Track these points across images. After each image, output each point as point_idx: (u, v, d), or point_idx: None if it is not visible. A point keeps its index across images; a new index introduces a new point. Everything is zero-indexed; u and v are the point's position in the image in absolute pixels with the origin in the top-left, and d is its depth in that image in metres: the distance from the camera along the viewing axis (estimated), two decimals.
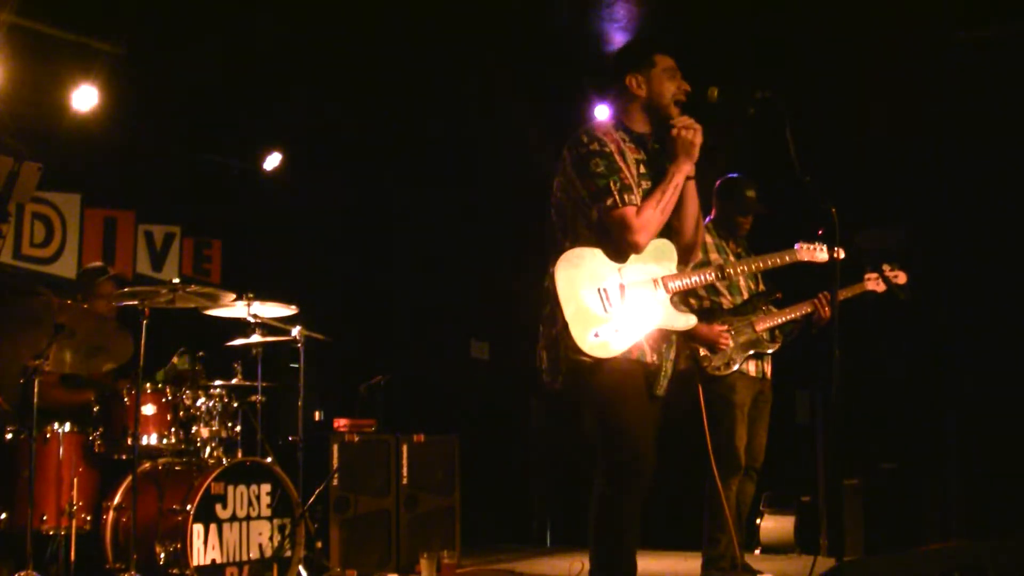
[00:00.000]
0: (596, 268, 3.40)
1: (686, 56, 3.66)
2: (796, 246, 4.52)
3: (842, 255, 4.69)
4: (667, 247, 3.55)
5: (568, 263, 3.39)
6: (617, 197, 3.37)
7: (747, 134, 5.37)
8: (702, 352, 4.85)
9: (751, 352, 4.95)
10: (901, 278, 5.00)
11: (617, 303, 3.39)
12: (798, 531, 6.56)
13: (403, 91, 7.01)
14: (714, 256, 4.97)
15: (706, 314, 4.88)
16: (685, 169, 3.46)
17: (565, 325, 3.33)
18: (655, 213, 3.39)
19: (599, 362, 3.34)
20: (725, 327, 4.84)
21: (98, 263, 5.70)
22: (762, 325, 4.97)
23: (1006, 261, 6.34)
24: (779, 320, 5.01)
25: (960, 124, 6.47)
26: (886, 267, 5.02)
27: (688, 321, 3.57)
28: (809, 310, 5.05)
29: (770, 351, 5.04)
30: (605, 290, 3.39)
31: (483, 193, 8.06)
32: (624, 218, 3.37)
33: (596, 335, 3.33)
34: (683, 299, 4.85)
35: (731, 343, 4.85)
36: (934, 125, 6.55)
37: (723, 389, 4.92)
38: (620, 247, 3.42)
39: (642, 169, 3.52)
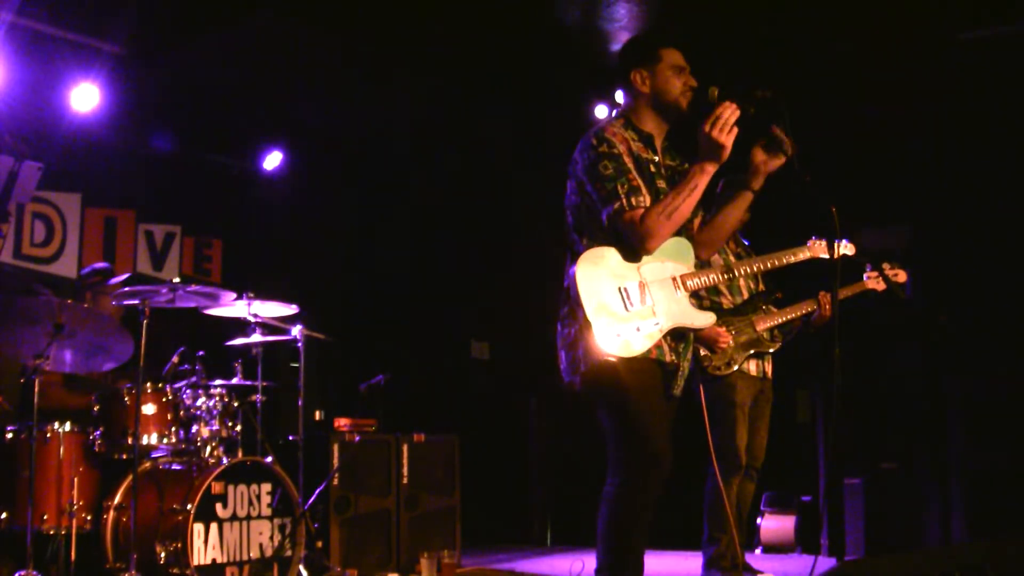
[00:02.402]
0: (615, 267, 3.39)
1: (686, 56, 3.65)
2: (808, 242, 4.53)
3: (852, 251, 4.71)
4: (684, 246, 3.54)
5: (588, 263, 3.38)
6: (624, 201, 3.35)
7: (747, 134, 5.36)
8: (702, 352, 4.85)
9: (751, 352, 4.95)
10: (901, 276, 5.00)
11: (638, 302, 3.38)
12: (799, 531, 6.56)
13: (403, 91, 7.01)
14: (714, 256, 4.96)
15: None
16: (708, 170, 3.34)
17: (587, 324, 3.31)
18: (662, 218, 3.33)
19: (619, 362, 3.33)
20: (725, 327, 4.84)
21: (104, 264, 5.69)
22: (762, 325, 4.97)
23: (1006, 261, 6.34)
24: (779, 320, 5.01)
25: (960, 124, 6.47)
26: (886, 266, 5.02)
27: (707, 319, 3.57)
28: (810, 309, 5.06)
29: (771, 351, 5.04)
30: (626, 289, 3.38)
31: (483, 193, 8.05)
32: (632, 222, 3.35)
33: (618, 335, 3.33)
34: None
35: (731, 343, 4.85)
36: (934, 125, 6.55)
37: (724, 389, 4.92)
38: (632, 248, 3.41)
39: (652, 169, 3.51)
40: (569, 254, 3.49)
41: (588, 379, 3.41)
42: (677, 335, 3.50)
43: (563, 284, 3.48)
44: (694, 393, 5.01)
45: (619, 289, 3.37)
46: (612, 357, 3.31)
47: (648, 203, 3.37)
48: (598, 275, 3.37)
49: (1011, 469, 6.03)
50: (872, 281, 5.03)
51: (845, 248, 4.75)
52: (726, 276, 3.77)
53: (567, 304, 3.46)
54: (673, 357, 3.48)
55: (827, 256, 4.48)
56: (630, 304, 3.36)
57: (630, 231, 3.35)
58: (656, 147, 3.56)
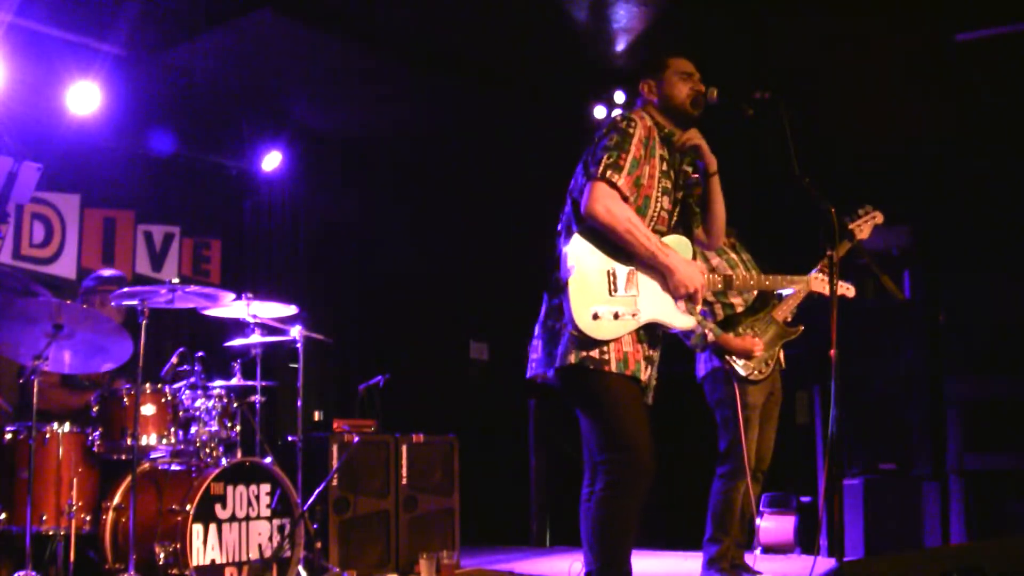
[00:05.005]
0: (611, 250, 3.39)
1: (685, 55, 3.67)
2: (812, 273, 4.55)
3: (852, 292, 4.73)
4: (684, 244, 3.55)
5: (583, 240, 3.39)
6: (602, 168, 3.35)
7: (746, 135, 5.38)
8: (741, 362, 4.81)
9: (781, 344, 4.93)
10: (879, 218, 4.90)
11: (622, 288, 3.38)
12: (798, 532, 6.56)
13: (402, 91, 7.01)
14: (716, 261, 4.93)
15: (728, 323, 4.87)
16: (662, 264, 3.40)
17: (566, 294, 3.31)
18: (618, 216, 3.32)
19: (600, 371, 3.34)
20: (752, 333, 4.82)
21: (117, 272, 5.68)
22: (781, 314, 4.93)
23: (1006, 261, 6.34)
24: (794, 303, 4.94)
25: (961, 124, 6.47)
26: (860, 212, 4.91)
27: (686, 322, 3.55)
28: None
29: (794, 336, 5.00)
30: (613, 272, 3.38)
31: (483, 193, 8.05)
32: (592, 187, 3.35)
33: (595, 316, 3.32)
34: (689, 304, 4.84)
35: (762, 347, 4.83)
36: (935, 126, 6.55)
37: (739, 390, 4.89)
38: (576, 211, 3.40)
39: (663, 167, 3.52)
40: (566, 237, 3.47)
41: (570, 381, 3.42)
42: (653, 342, 3.49)
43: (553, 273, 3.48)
44: (700, 396, 5.02)
45: (607, 271, 3.37)
46: (581, 334, 3.29)
47: (622, 184, 3.35)
48: (591, 252, 3.37)
49: (1010, 469, 6.03)
50: (865, 226, 4.91)
51: (846, 290, 4.74)
52: (719, 285, 3.81)
53: (556, 298, 3.46)
54: (648, 373, 3.49)
55: (825, 293, 4.53)
56: (614, 289, 3.37)
57: (587, 193, 3.35)
58: (671, 145, 3.59)
